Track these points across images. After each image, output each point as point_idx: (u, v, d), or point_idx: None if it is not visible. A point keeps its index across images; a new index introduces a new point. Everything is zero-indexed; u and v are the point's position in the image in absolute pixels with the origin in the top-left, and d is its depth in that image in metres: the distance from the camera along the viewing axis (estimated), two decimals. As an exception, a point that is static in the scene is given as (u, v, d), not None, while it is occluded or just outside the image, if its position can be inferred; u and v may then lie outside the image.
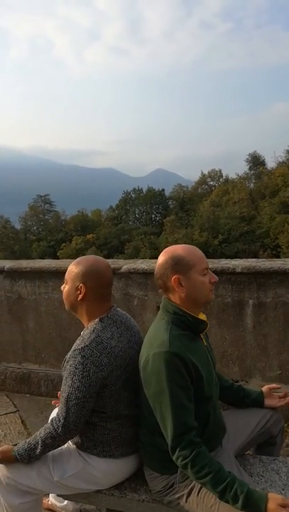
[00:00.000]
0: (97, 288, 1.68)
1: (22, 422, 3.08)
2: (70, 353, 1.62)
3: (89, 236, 57.78)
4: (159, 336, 1.51)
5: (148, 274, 3.05)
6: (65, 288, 1.74)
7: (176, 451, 1.42)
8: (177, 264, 1.54)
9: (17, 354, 3.54)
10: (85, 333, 1.65)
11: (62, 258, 47.76)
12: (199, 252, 1.59)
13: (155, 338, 1.52)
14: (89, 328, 1.66)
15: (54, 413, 2.05)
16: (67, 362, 1.61)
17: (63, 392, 1.59)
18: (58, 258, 47.23)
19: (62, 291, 1.77)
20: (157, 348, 1.47)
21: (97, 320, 1.67)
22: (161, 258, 1.59)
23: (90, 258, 1.75)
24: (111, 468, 1.68)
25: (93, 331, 1.63)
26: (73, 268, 1.71)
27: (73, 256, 49.87)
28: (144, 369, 1.51)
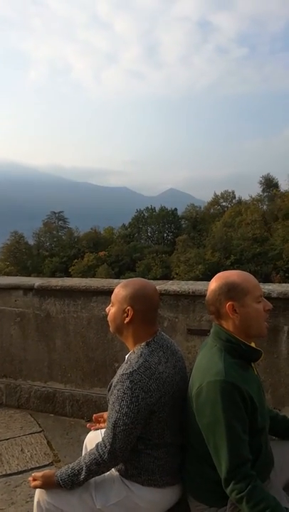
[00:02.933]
0: (145, 311, 1.66)
1: (47, 442, 3.03)
2: (117, 377, 1.60)
3: (101, 253, 58.13)
4: (213, 363, 1.48)
5: (179, 295, 3.03)
6: (111, 310, 1.73)
7: (231, 484, 1.37)
8: (232, 291, 1.52)
9: (42, 372, 3.51)
10: (132, 357, 1.63)
11: (73, 274, 47.98)
12: (254, 279, 1.57)
13: (208, 366, 1.50)
14: (135, 352, 1.64)
15: (89, 436, 2.02)
16: (115, 386, 1.58)
17: (110, 418, 1.56)
18: (69, 274, 47.46)
19: (107, 313, 1.76)
20: (212, 376, 1.44)
21: (143, 344, 1.65)
22: (214, 284, 1.57)
23: (137, 281, 1.75)
24: (155, 497, 1.63)
25: (140, 355, 1.61)
26: (121, 290, 1.71)
27: (85, 272, 50.24)
28: (196, 398, 1.48)
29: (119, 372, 1.60)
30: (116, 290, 1.73)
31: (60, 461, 2.80)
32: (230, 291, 1.52)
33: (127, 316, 1.66)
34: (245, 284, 1.52)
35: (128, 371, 1.56)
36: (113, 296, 1.73)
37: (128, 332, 1.69)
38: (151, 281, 3.06)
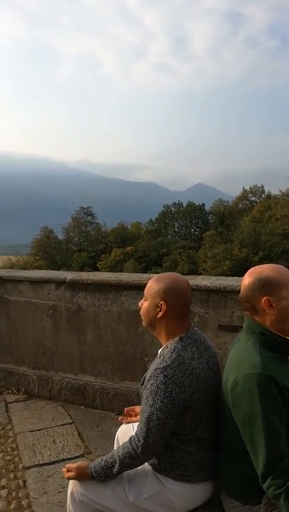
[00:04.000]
0: (178, 306, 1.65)
1: (78, 434, 3.08)
2: (150, 371, 1.59)
3: (128, 248, 58.38)
4: (249, 357, 1.45)
5: (210, 291, 3.00)
6: (144, 304, 1.72)
7: (268, 480, 1.34)
8: (266, 285, 1.49)
9: (74, 365, 3.56)
10: (165, 352, 1.62)
11: (101, 269, 48.45)
12: (288, 271, 1.53)
13: (244, 359, 1.47)
14: (168, 347, 1.63)
15: (121, 430, 2.03)
16: (148, 381, 1.58)
17: (144, 412, 1.56)
18: (97, 269, 47.96)
19: (139, 307, 1.76)
20: (248, 369, 1.41)
21: (177, 339, 1.63)
22: (248, 279, 1.54)
23: (171, 275, 1.73)
24: (188, 493, 1.63)
25: (174, 350, 1.59)
26: (154, 285, 1.70)
27: (112, 267, 50.63)
28: (232, 391, 1.45)
29: (153, 366, 1.60)
30: (149, 284, 1.72)
31: (90, 452, 2.83)
32: (264, 286, 1.48)
33: (160, 311, 1.65)
34: (279, 278, 1.48)
35: (162, 366, 1.55)
36: (146, 290, 1.72)
37: (161, 327, 1.68)
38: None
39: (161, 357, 1.61)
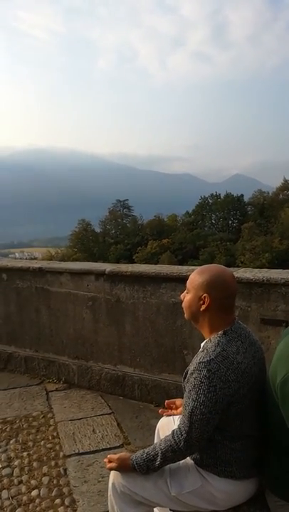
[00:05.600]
0: (222, 299, 1.60)
1: (118, 424, 3.10)
2: (193, 365, 1.55)
3: (164, 241, 58.27)
4: None
5: (252, 283, 2.92)
6: (187, 297, 1.68)
7: None
8: None
9: (113, 356, 3.59)
10: (209, 345, 1.57)
11: (138, 261, 48.72)
12: None
13: None
14: (212, 340, 1.58)
15: (162, 423, 2.01)
16: (191, 374, 1.54)
17: (187, 406, 1.53)
18: (133, 261, 48.27)
19: (182, 300, 1.72)
20: None
21: (220, 332, 1.59)
22: None
23: (214, 267, 1.68)
24: (231, 489, 1.59)
25: (218, 344, 1.55)
26: (197, 277, 1.65)
27: (148, 259, 50.76)
28: (282, 387, 1.39)
29: (196, 360, 1.56)
30: (192, 276, 1.68)
31: (130, 443, 2.85)
32: None
33: (203, 304, 1.60)
34: None
35: (205, 359, 1.51)
36: (189, 282, 1.68)
37: (204, 320, 1.64)
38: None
39: (205, 351, 1.57)
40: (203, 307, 1.60)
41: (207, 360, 1.50)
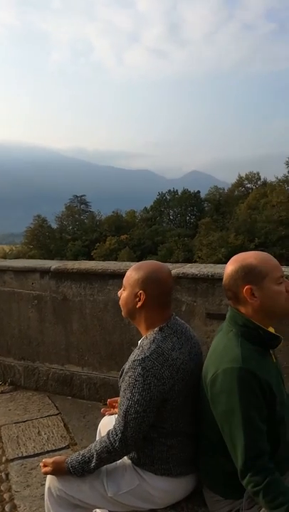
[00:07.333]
0: (158, 295, 1.58)
1: (64, 425, 3.03)
2: (128, 363, 1.53)
3: (123, 237, 58.19)
4: (229, 349, 1.39)
5: (198, 279, 2.94)
6: (123, 294, 1.65)
7: (247, 476, 1.30)
8: (249, 274, 1.41)
9: (60, 355, 3.50)
10: (144, 343, 1.56)
11: (96, 258, 48.30)
12: (273, 259, 1.46)
13: (224, 351, 1.40)
14: (148, 337, 1.57)
15: (103, 422, 1.98)
16: (126, 373, 1.51)
17: (121, 405, 1.50)
18: (92, 258, 47.85)
19: (119, 297, 1.69)
20: (228, 363, 1.35)
21: (156, 329, 1.57)
22: (230, 267, 1.47)
23: (150, 264, 1.66)
24: (168, 487, 1.58)
25: (153, 341, 1.53)
26: (133, 273, 1.62)
27: (107, 256, 50.45)
28: (211, 385, 1.39)
29: (131, 358, 1.54)
30: (128, 273, 1.65)
31: (76, 444, 2.79)
32: (247, 274, 1.41)
33: (139, 301, 1.58)
34: (263, 266, 1.41)
35: (140, 357, 1.49)
36: (125, 279, 1.65)
37: (140, 317, 1.62)
38: (168, 264, 2.98)
39: (140, 348, 1.55)
40: (139, 304, 1.58)
41: (142, 358, 1.48)
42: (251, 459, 1.29)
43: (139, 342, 1.62)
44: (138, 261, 2.23)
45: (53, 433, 2.91)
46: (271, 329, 1.52)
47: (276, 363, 1.53)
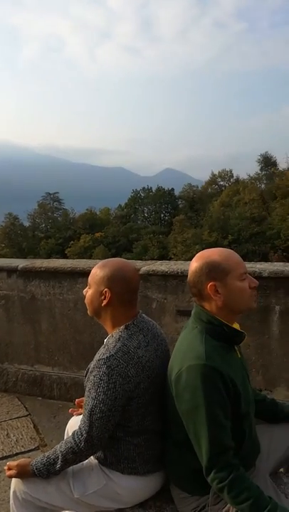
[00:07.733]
0: (123, 293, 1.57)
1: (34, 426, 2.98)
2: (93, 362, 1.51)
3: (97, 234, 57.80)
4: (194, 346, 1.39)
5: (167, 276, 2.94)
6: (88, 292, 1.63)
7: (212, 473, 1.30)
8: (212, 271, 1.42)
9: (29, 356, 3.44)
10: (110, 341, 1.54)
11: (70, 256, 47.78)
12: (236, 256, 1.47)
13: (189, 349, 1.40)
14: (114, 336, 1.55)
15: (71, 423, 1.96)
16: (91, 372, 1.49)
17: (86, 405, 1.48)
18: (66, 256, 47.29)
19: (84, 295, 1.66)
20: (192, 360, 1.35)
21: (122, 327, 1.56)
22: (195, 264, 1.47)
23: (115, 261, 1.64)
24: (135, 485, 1.57)
25: (119, 339, 1.52)
26: (98, 271, 1.60)
27: (81, 254, 50.02)
28: (176, 383, 1.39)
29: (96, 357, 1.52)
30: (93, 271, 1.63)
31: (46, 445, 2.75)
32: (211, 271, 1.42)
33: (104, 299, 1.56)
34: (226, 263, 1.42)
35: (105, 356, 1.47)
36: (90, 277, 1.63)
37: (106, 315, 1.60)
38: (141, 261, 2.97)
39: (106, 347, 1.53)
40: (104, 302, 1.56)
41: (107, 357, 1.46)
42: (216, 455, 1.30)
43: (104, 340, 1.60)
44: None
45: (22, 435, 2.86)
46: (236, 325, 1.53)
47: (241, 358, 1.54)
